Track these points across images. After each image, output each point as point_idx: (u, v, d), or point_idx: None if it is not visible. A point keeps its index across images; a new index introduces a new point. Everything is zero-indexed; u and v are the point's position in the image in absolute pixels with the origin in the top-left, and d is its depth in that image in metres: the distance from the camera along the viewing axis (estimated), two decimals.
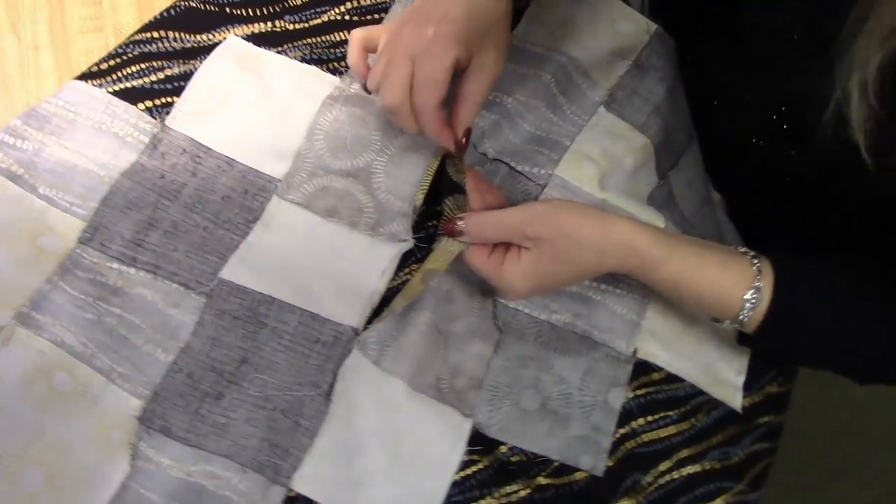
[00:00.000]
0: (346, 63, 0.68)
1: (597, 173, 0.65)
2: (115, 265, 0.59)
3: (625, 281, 0.63)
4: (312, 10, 0.70)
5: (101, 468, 0.53)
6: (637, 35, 0.72)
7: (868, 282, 0.57)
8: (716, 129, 0.75)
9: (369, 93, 0.61)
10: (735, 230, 0.75)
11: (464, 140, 0.60)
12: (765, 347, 0.62)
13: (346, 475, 0.55)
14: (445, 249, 0.59)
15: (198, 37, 0.68)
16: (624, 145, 0.67)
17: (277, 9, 0.70)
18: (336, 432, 0.56)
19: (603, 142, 0.67)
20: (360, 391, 0.57)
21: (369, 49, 0.61)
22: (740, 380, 0.64)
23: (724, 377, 0.64)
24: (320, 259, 0.61)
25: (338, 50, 0.69)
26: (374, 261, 0.61)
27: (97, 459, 0.53)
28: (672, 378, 0.63)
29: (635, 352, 0.62)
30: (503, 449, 0.58)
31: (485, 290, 0.62)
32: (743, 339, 0.60)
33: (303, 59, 0.68)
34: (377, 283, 0.61)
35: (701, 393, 0.63)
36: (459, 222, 0.58)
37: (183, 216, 0.61)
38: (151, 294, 0.58)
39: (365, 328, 0.59)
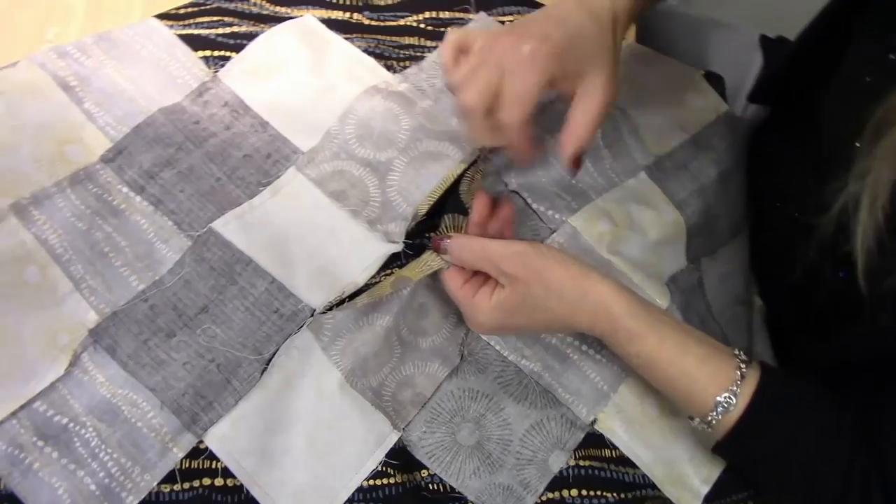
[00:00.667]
0: (403, 64, 0.70)
1: (610, 234, 0.63)
2: (125, 189, 0.61)
3: (609, 349, 0.60)
4: (392, 13, 0.72)
5: (38, 364, 0.54)
6: (704, 111, 0.70)
7: (851, 420, 0.52)
8: (771, 231, 0.71)
9: (452, 90, 0.62)
10: (769, 342, 0.71)
11: (572, 164, 0.58)
12: (730, 458, 0.57)
13: (258, 446, 0.54)
14: (426, 262, 0.58)
15: (277, 8, 0.71)
16: (653, 216, 0.65)
17: (360, 3, 0.72)
18: (262, 402, 0.55)
19: (630, 206, 0.64)
20: (299, 371, 0.56)
21: (463, 50, 0.61)
22: (704, 489, 0.59)
23: (686, 480, 0.59)
24: (312, 237, 0.61)
25: (402, 51, 0.70)
26: (363, 254, 0.61)
27: (37, 355, 0.55)
28: (624, 461, 0.58)
29: (594, 422, 0.59)
30: (424, 474, 0.56)
31: (461, 314, 0.60)
32: (714, 446, 0.55)
33: (365, 50, 0.70)
34: (357, 275, 0.60)
35: (652, 486, 0.58)
36: (447, 240, 0.57)
37: (201, 163, 0.63)
38: (147, 224, 0.60)
39: (323, 313, 0.59)
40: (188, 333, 0.57)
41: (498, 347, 0.60)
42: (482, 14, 0.72)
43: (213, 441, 0.54)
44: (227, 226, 0.60)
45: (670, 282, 0.65)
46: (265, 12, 0.71)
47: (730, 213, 0.69)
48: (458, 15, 0.72)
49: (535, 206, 0.63)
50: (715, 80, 0.73)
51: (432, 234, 0.62)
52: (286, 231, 0.61)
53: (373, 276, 0.61)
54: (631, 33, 0.75)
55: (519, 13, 0.72)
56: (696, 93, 0.70)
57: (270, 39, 0.69)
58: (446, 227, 0.59)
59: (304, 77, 0.68)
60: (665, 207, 0.65)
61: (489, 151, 0.64)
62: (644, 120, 0.68)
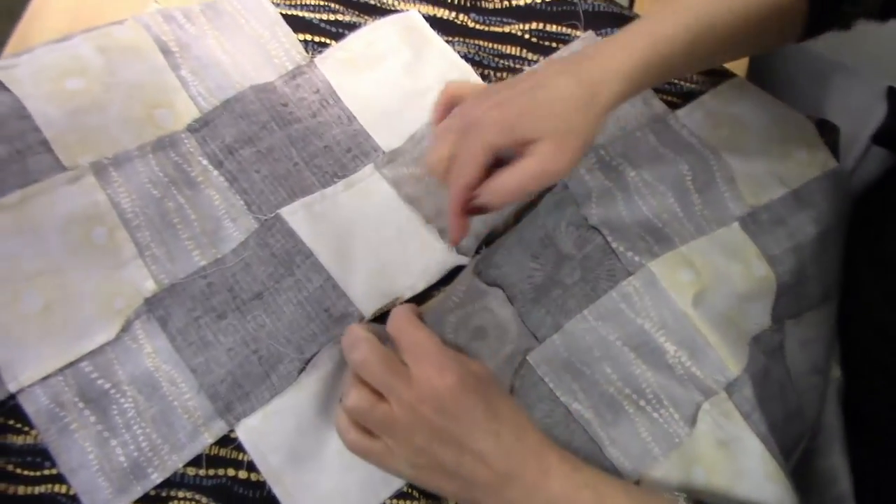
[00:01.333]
0: (500, 75, 0.67)
1: (693, 285, 0.59)
2: (205, 161, 0.61)
3: (668, 408, 0.57)
4: (499, 18, 0.70)
5: (92, 324, 0.55)
6: (810, 165, 0.65)
7: None
8: (863, 302, 0.66)
9: None
10: (840, 416, 0.66)
11: (454, 240, 0.57)
12: None
13: (288, 444, 0.53)
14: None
15: None
16: (742, 270, 0.61)
17: (468, 4, 0.70)
18: (297, 402, 0.54)
19: (717, 258, 0.61)
20: (336, 375, 0.56)
21: (455, 106, 0.58)
22: None
23: None
24: (377, 235, 0.60)
25: (501, 60, 0.68)
26: (427, 261, 0.60)
27: (93, 314, 0.56)
28: None
29: (637, 482, 0.56)
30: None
31: (519, 344, 0.58)
32: None
33: (464, 56, 0.68)
34: (415, 283, 0.59)
35: None
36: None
37: (282, 145, 0.62)
38: (219, 200, 0.61)
39: (370, 321, 0.57)
40: (238, 318, 0.57)
41: (552, 385, 0.57)
42: (590, 33, 0.69)
43: (243, 432, 0.54)
44: (295, 214, 0.60)
45: (753, 342, 0.61)
46: (371, 2, 0.70)
47: (823, 276, 0.65)
48: (565, 30, 0.69)
49: (614, 244, 0.60)
50: (829, 130, 0.67)
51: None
52: (352, 226, 0.60)
53: (434, 287, 0.59)
54: (741, 66, 0.71)
55: None
56: (804, 144, 0.65)
57: (373, 31, 0.68)
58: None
59: (399, 76, 0.67)
60: (756, 263, 0.61)
61: (568, 179, 0.61)
62: (742, 166, 0.64)
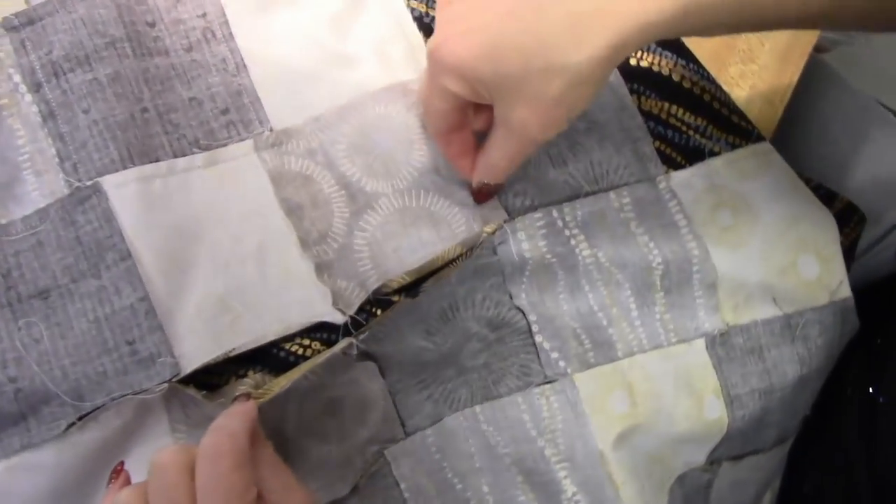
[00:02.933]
0: None
1: (623, 420, 0.46)
2: (17, 77, 0.45)
3: None
4: None
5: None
6: (816, 287, 0.51)
7: None
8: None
9: None
10: None
11: (478, 193, 0.47)
12: None
13: None
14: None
15: None
16: (690, 408, 0.48)
17: None
18: (60, 462, 0.40)
19: (664, 385, 0.48)
20: (121, 444, 0.42)
21: None
22: None
23: None
24: (232, 249, 0.45)
25: None
26: (287, 303, 0.44)
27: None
28: None
29: None
30: None
31: (381, 431, 0.45)
32: None
33: (419, 17, 0.51)
34: (263, 330, 0.44)
35: None
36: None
37: (131, 78, 0.45)
38: (25, 140, 0.44)
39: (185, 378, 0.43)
40: (4, 319, 0.42)
41: (407, 495, 0.45)
42: None
43: None
44: (123, 188, 0.44)
45: (676, 483, 0.50)
46: None
47: (785, 422, 0.53)
48: None
49: (538, 337, 0.47)
50: (854, 220, 0.53)
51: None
52: (200, 224, 0.45)
53: (292, 341, 0.45)
54: (774, 118, 0.56)
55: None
56: (818, 256, 0.51)
57: None
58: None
59: (322, 28, 0.50)
60: (711, 401, 0.49)
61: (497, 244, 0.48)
62: (731, 269, 0.50)
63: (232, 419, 0.36)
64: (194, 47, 0.48)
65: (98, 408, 0.40)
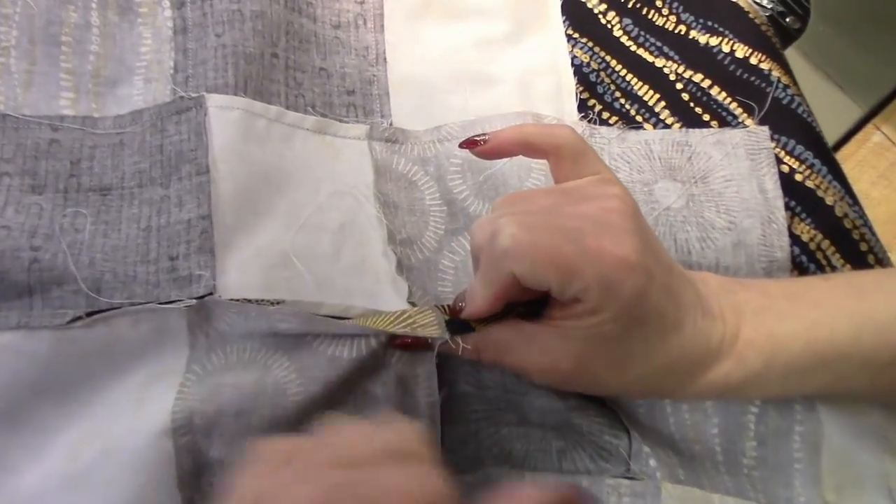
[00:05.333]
0: (608, 118, 0.51)
1: None
2: None
3: None
4: (657, 43, 0.53)
5: None
6: None
7: None
8: None
9: None
10: None
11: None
12: None
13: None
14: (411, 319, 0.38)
15: None
16: None
17: (632, 4, 0.55)
18: (41, 352, 0.37)
19: None
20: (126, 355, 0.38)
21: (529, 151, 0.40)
22: None
23: None
24: (312, 218, 0.43)
25: (623, 100, 0.51)
26: (352, 286, 0.43)
27: None
28: None
29: None
30: None
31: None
32: None
33: (578, 66, 0.51)
34: (323, 300, 0.41)
35: None
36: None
37: (274, 21, 0.46)
38: (148, 49, 0.46)
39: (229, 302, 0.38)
40: (53, 204, 0.40)
41: None
42: (764, 129, 0.50)
43: None
44: (226, 111, 0.43)
45: None
46: None
47: None
48: (734, 106, 0.50)
49: (629, 426, 0.42)
50: None
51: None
52: (288, 179, 0.43)
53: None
54: None
55: None
56: None
57: None
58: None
59: (475, 46, 0.51)
60: None
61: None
62: (838, 432, 0.44)
63: None
64: (342, 27, 0.50)
65: (114, 308, 0.37)
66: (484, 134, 0.40)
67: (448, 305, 0.39)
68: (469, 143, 0.41)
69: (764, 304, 0.38)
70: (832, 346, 0.37)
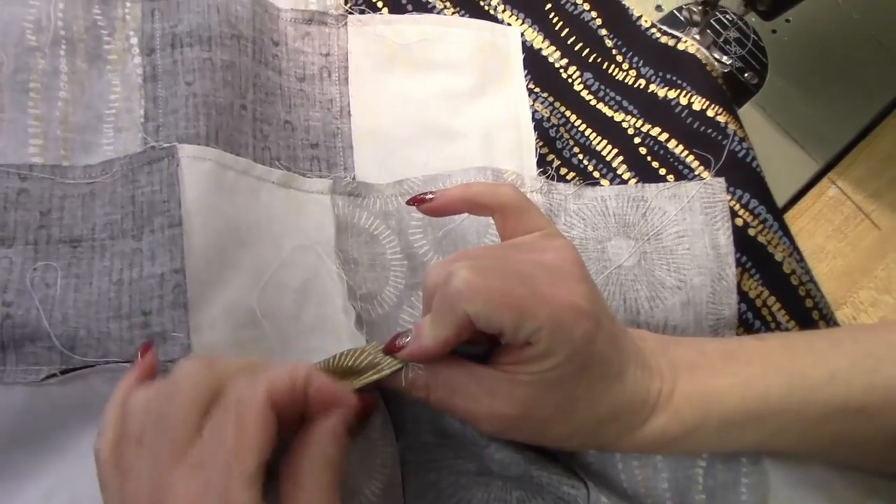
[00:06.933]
0: (567, 175, 0.55)
1: None
2: (134, 39, 0.50)
3: None
4: (617, 97, 0.57)
5: None
6: None
7: None
8: None
9: None
10: None
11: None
12: None
13: None
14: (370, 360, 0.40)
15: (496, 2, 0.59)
16: None
17: (592, 59, 0.59)
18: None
19: None
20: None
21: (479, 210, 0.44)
22: None
23: None
24: (276, 274, 0.47)
25: (581, 155, 0.55)
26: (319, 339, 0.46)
27: None
28: None
29: None
30: None
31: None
32: None
33: (539, 120, 0.56)
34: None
35: None
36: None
37: (242, 72, 0.50)
38: (117, 95, 0.48)
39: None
40: (23, 257, 0.43)
41: None
42: (720, 181, 0.54)
43: None
44: (199, 162, 0.45)
45: None
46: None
47: None
48: (691, 160, 0.54)
49: (586, 478, 0.46)
50: None
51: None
52: (253, 233, 0.46)
53: None
54: None
55: None
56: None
57: (443, 28, 0.57)
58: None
59: (438, 100, 0.54)
60: None
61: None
62: (785, 490, 0.46)
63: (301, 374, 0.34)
64: (307, 79, 0.52)
65: (88, 366, 0.40)
66: (431, 192, 0.43)
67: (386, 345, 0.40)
68: (416, 201, 0.43)
69: (699, 362, 0.42)
70: (766, 402, 0.40)
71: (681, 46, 0.59)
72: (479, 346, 0.40)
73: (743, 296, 0.52)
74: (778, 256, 0.53)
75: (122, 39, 0.49)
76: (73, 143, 0.46)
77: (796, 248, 0.55)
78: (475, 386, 0.39)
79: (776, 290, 0.53)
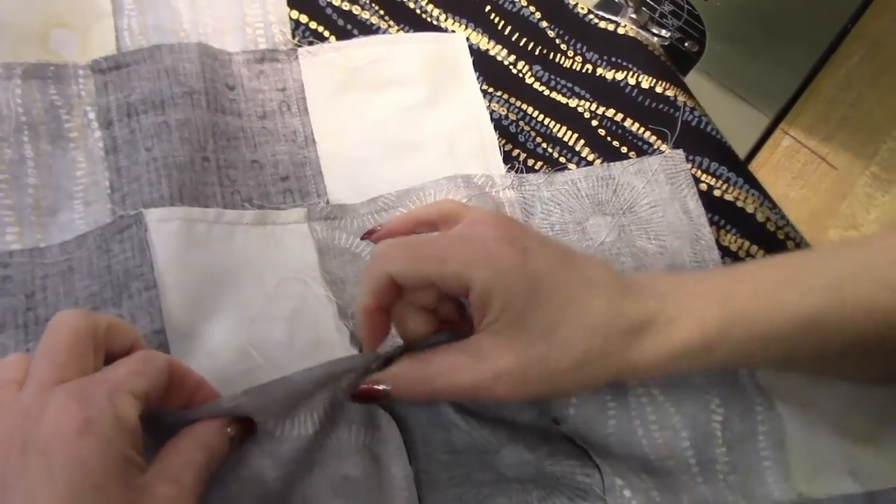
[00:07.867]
0: (534, 165, 0.55)
1: None
2: (92, 115, 0.51)
3: None
4: (568, 84, 0.58)
5: None
6: None
7: None
8: None
9: None
10: None
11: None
12: None
13: None
14: None
15: (435, 9, 0.60)
16: None
17: (538, 51, 0.59)
18: None
19: None
20: None
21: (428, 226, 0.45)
22: None
23: None
24: (263, 310, 0.47)
25: (545, 145, 0.56)
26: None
27: None
28: None
29: None
30: None
31: None
32: None
33: (497, 119, 0.56)
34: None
35: None
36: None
37: (200, 126, 0.50)
38: (83, 172, 0.49)
39: None
40: (14, 341, 0.43)
41: None
42: (679, 153, 0.56)
43: None
44: (166, 224, 0.46)
45: None
46: (410, 5, 0.59)
47: None
48: (648, 135, 0.55)
49: (598, 460, 0.46)
50: None
51: None
52: (233, 277, 0.47)
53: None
54: None
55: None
56: None
57: (389, 47, 0.57)
58: None
59: (397, 117, 0.55)
60: None
61: None
62: (801, 433, 0.48)
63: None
64: (268, 116, 0.53)
65: None
66: (379, 224, 0.46)
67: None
68: (368, 234, 0.47)
69: (723, 284, 0.42)
70: (782, 313, 0.40)
71: (620, 31, 0.60)
72: (445, 333, 0.42)
73: (725, 250, 0.53)
74: (749, 209, 0.54)
75: (81, 115, 0.50)
76: (48, 224, 0.48)
77: (767, 197, 0.55)
78: (464, 357, 0.39)
79: (756, 240, 0.54)
